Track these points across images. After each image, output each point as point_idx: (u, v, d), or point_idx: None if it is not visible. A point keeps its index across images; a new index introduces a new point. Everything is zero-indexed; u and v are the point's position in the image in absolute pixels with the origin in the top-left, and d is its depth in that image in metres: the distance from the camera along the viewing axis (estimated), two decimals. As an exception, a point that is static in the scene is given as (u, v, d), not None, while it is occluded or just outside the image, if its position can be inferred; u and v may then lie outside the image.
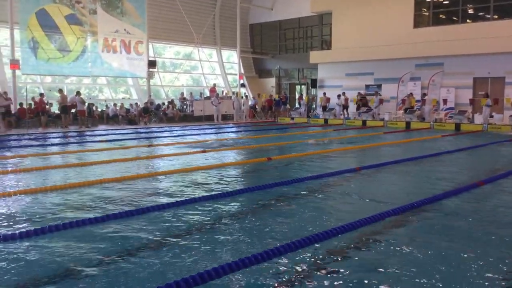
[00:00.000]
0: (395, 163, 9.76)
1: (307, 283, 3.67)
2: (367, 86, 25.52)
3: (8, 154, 11.56)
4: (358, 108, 24.42)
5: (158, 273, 3.86)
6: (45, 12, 21.47)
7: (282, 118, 25.77)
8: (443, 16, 23.60)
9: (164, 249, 4.46)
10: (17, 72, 20.46)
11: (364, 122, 22.40)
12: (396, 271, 3.89)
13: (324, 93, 26.13)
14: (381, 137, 16.78)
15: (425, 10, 23.75)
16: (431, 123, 20.58)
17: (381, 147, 13.74)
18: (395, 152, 12.62)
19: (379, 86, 24.95)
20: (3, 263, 4.09)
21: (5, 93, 19.04)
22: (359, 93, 24.80)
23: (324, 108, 25.25)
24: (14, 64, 19.92)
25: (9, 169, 9.11)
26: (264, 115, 27.15)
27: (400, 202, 6.07)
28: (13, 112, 19.25)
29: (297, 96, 31.10)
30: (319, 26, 29.54)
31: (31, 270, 3.95)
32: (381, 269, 3.94)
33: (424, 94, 22.13)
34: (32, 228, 4.94)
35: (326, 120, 23.72)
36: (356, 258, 4.21)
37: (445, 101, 22.42)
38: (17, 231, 4.86)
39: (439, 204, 6.20)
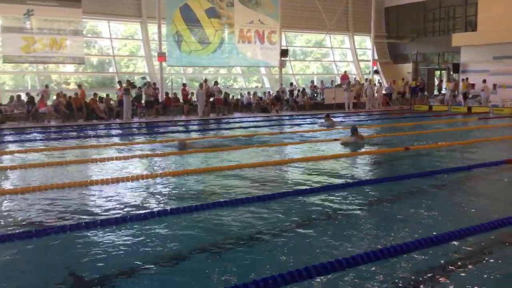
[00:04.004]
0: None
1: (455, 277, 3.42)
2: (519, 70, 22.79)
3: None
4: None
5: (291, 254, 3.92)
6: (187, 7, 23.02)
7: (419, 106, 24.29)
8: None
9: (299, 232, 4.52)
10: (163, 64, 22.29)
11: (515, 110, 20.10)
12: None
13: (467, 78, 24.00)
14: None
15: None
16: None
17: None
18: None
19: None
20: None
21: (154, 83, 20.94)
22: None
23: (466, 95, 23.21)
24: (161, 56, 21.73)
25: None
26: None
27: None
28: (160, 101, 21.07)
29: (436, 82, 29.01)
30: (463, 6, 27.11)
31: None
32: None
33: None
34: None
35: (469, 108, 21.77)
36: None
37: None
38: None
39: None
